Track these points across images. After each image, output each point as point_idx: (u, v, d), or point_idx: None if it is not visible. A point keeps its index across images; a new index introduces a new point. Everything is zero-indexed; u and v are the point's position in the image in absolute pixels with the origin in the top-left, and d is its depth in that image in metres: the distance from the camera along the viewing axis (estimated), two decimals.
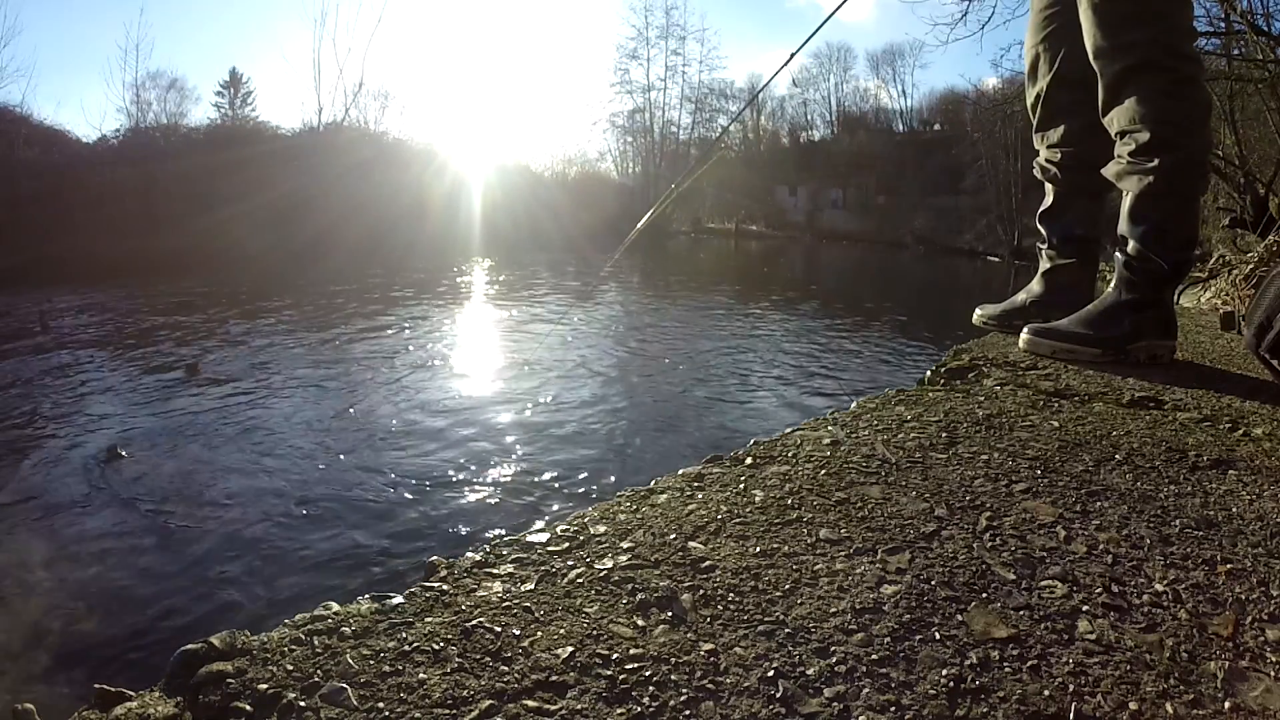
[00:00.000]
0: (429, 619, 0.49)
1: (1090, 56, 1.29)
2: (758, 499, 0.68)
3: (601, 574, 0.55)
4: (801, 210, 37.57)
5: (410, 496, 2.93)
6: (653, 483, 0.72)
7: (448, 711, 0.41)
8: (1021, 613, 0.51)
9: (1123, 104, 1.25)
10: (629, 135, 34.39)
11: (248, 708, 0.41)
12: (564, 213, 17.73)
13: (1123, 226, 1.28)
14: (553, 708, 0.41)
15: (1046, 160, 1.57)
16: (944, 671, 0.44)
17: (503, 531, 2.61)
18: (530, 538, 0.60)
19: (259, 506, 2.82)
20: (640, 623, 0.49)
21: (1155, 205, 1.23)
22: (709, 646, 0.46)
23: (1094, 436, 0.86)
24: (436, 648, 0.46)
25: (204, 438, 3.56)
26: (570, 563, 0.56)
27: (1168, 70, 1.21)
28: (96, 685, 0.43)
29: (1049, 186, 1.58)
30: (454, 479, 3.13)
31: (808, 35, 1.91)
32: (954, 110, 35.47)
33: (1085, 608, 0.51)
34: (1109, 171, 1.31)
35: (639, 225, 2.04)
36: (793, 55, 1.95)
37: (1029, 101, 1.59)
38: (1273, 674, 0.45)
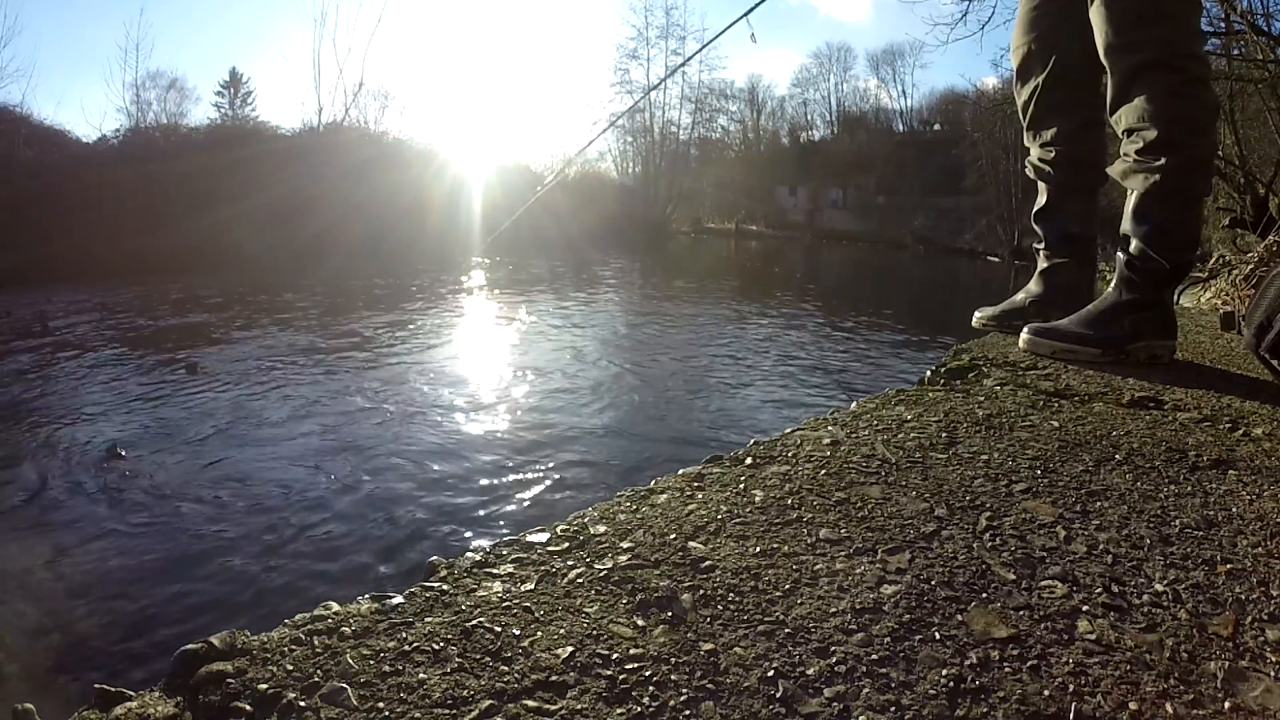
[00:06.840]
0: (429, 619, 0.49)
1: (1100, 53, 1.29)
2: (758, 499, 0.68)
3: (601, 574, 0.55)
4: (801, 210, 37.59)
5: (410, 497, 2.93)
6: (653, 483, 0.72)
7: (448, 711, 0.41)
8: (1021, 613, 0.51)
9: (1132, 101, 1.25)
10: (629, 135, 34.32)
11: (248, 708, 0.41)
12: (564, 213, 17.69)
13: (1126, 225, 1.27)
14: (553, 708, 0.41)
15: (1039, 159, 1.56)
16: (944, 671, 0.44)
17: (503, 532, 2.61)
18: (530, 538, 0.60)
19: (259, 506, 2.82)
20: (640, 623, 0.49)
21: (1159, 205, 1.23)
22: (709, 646, 0.46)
23: (1094, 436, 0.86)
24: (436, 648, 0.46)
25: (203, 438, 3.56)
26: (570, 563, 0.56)
27: (1177, 70, 1.21)
28: (96, 685, 0.43)
29: (1042, 185, 1.58)
30: (454, 479, 3.13)
31: None
32: (954, 110, 35.51)
33: (1085, 608, 0.51)
34: (1115, 170, 1.31)
35: (512, 218, 2.11)
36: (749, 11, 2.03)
37: (1020, 101, 1.58)
38: (1273, 674, 0.45)
